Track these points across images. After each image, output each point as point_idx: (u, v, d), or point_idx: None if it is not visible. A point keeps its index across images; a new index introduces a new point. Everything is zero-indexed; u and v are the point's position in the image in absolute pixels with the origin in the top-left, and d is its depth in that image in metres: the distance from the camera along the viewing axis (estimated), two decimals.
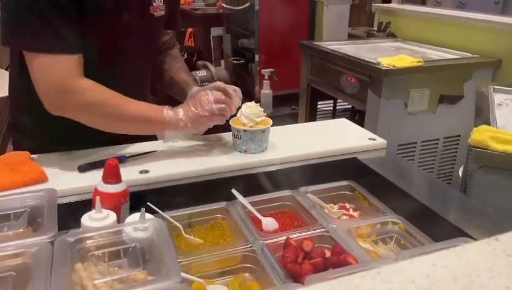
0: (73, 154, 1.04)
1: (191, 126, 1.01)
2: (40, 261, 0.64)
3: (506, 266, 0.29)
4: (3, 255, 0.65)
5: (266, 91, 3.41)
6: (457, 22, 2.21)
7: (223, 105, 1.02)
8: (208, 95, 1.01)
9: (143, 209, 0.75)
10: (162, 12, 1.11)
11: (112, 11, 0.99)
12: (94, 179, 0.84)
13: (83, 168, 0.96)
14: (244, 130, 1.06)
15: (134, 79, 1.14)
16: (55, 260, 0.64)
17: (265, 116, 1.09)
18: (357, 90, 1.98)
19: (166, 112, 1.00)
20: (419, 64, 1.83)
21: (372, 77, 1.86)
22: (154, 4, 1.08)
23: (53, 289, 0.59)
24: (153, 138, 1.10)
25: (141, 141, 1.11)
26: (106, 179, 0.80)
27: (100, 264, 0.68)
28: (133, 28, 1.05)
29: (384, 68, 1.78)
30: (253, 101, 1.09)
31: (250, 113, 1.06)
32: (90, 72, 0.98)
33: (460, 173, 1.53)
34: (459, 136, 2.03)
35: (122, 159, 1.01)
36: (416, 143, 1.97)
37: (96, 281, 0.63)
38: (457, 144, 2.05)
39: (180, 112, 1.00)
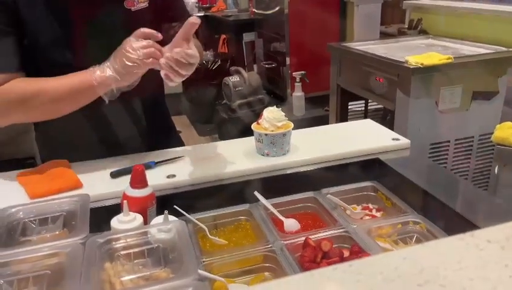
0: (107, 161, 1.11)
1: (121, 79, 0.93)
2: (73, 260, 0.70)
3: (475, 260, 0.31)
4: (40, 256, 0.71)
5: (298, 94, 3.42)
6: (491, 15, 2.14)
7: (151, 49, 0.92)
8: (132, 42, 0.92)
9: (166, 212, 0.80)
10: (143, 4, 1.05)
11: (73, 14, 0.98)
12: (124, 184, 0.90)
13: (114, 174, 1.03)
14: (266, 134, 1.09)
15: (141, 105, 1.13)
16: (86, 259, 0.69)
17: (287, 120, 1.12)
18: (386, 90, 1.96)
19: (93, 73, 0.93)
20: (449, 61, 1.80)
21: (400, 76, 1.84)
22: None
23: (84, 286, 0.64)
24: (179, 144, 1.15)
25: (168, 148, 1.16)
26: (133, 184, 0.86)
27: (126, 264, 0.73)
28: (107, 27, 1.02)
29: (412, 67, 1.76)
30: (275, 106, 1.12)
31: (272, 118, 1.09)
32: None
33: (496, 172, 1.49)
34: None
35: (151, 165, 1.06)
36: (449, 142, 1.92)
37: (122, 279, 0.68)
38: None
39: (108, 68, 0.93)
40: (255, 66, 4.13)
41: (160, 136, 1.24)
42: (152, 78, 1.07)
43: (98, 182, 1.02)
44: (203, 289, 0.63)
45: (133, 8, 1.04)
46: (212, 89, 4.13)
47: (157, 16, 1.09)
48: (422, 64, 1.75)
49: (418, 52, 1.96)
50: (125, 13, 1.03)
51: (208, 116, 4.02)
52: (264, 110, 1.11)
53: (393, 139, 1.19)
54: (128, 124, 1.16)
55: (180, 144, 1.28)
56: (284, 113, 1.12)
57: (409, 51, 2.14)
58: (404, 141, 1.18)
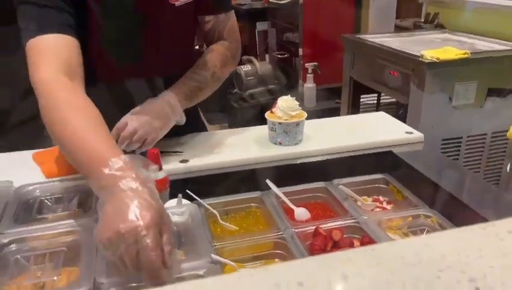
0: None
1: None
2: (88, 239, 0.71)
3: (495, 249, 0.31)
4: (56, 233, 0.73)
5: (309, 85, 3.40)
6: (509, 11, 2.11)
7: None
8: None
9: (180, 195, 0.81)
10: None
11: (117, 7, 0.94)
12: None
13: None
14: (279, 123, 1.09)
15: (158, 80, 1.09)
16: None
17: (301, 109, 1.12)
18: (400, 84, 1.95)
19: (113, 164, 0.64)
20: (465, 56, 1.78)
21: (415, 70, 1.83)
22: None
23: (100, 264, 0.65)
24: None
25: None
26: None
27: None
28: (149, 23, 0.99)
29: (427, 61, 1.74)
30: (289, 95, 1.12)
31: (286, 107, 1.09)
32: (100, 74, 0.96)
33: (508, 169, 1.48)
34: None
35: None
36: (461, 138, 1.91)
37: None
38: (508, 139, 1.96)
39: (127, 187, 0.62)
40: (267, 56, 4.11)
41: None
42: (176, 59, 1.08)
43: None
44: (216, 271, 0.63)
45: (176, 4, 1.00)
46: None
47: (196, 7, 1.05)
48: (438, 58, 1.73)
49: (433, 47, 1.94)
50: (169, 8, 0.99)
51: (219, 104, 4.03)
52: (279, 99, 1.12)
53: (406, 132, 1.19)
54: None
55: (203, 129, 1.27)
56: (298, 103, 1.12)
57: (424, 45, 2.11)
58: (417, 135, 1.18)
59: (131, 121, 0.92)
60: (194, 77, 1.06)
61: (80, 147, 0.67)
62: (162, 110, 0.96)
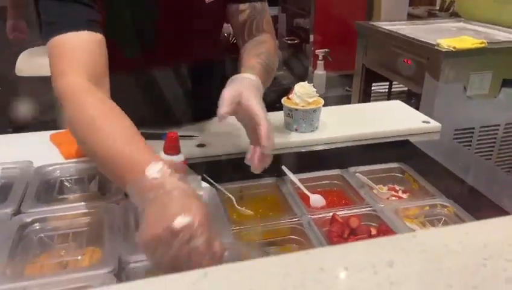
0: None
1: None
2: (109, 220, 0.72)
3: None
4: (77, 213, 0.73)
5: (320, 72, 3.38)
6: None
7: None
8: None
9: (199, 177, 0.81)
10: None
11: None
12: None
13: None
14: (296, 110, 1.09)
15: (189, 75, 1.09)
16: (123, 219, 0.71)
17: (318, 96, 1.11)
18: (413, 73, 1.93)
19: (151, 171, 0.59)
20: (482, 45, 1.75)
21: (430, 59, 1.81)
22: None
23: (123, 244, 0.66)
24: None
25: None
26: (167, 150, 0.87)
27: None
28: (179, 19, 0.97)
29: (444, 50, 1.72)
30: (307, 81, 1.11)
31: (303, 93, 1.08)
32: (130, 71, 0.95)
33: None
34: None
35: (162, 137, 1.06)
36: (474, 129, 1.90)
37: None
38: None
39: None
40: (276, 42, 4.08)
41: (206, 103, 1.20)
42: (202, 49, 1.05)
43: None
44: (236, 254, 0.64)
45: (206, 0, 0.97)
46: (232, 62, 4.11)
47: None
48: (454, 48, 1.71)
49: (448, 36, 1.91)
50: (198, 5, 0.96)
51: None
52: (296, 85, 1.11)
53: (423, 121, 1.18)
54: (175, 90, 1.11)
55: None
56: (315, 89, 1.11)
57: (439, 33, 2.09)
58: (434, 124, 1.17)
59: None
60: (268, 63, 0.96)
61: (117, 155, 0.63)
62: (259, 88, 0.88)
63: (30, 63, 2.92)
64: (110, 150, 0.63)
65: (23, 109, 2.90)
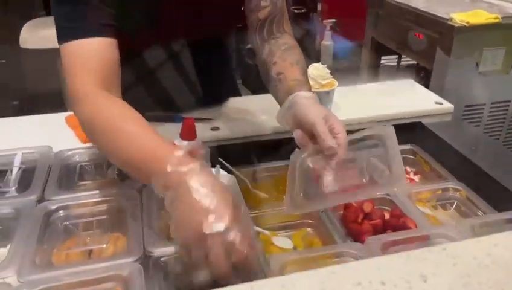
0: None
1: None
2: (131, 207, 0.73)
3: None
4: (100, 201, 0.75)
5: (327, 42, 3.33)
6: None
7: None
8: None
9: (218, 166, 0.83)
10: None
11: None
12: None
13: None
14: None
15: (200, 55, 1.07)
16: (146, 207, 0.73)
17: (332, 78, 1.11)
18: (424, 48, 1.90)
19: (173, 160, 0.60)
20: (496, 20, 1.72)
21: (442, 34, 1.78)
22: None
23: (146, 232, 0.68)
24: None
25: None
26: (184, 136, 0.88)
27: None
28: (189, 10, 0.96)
29: (457, 25, 1.69)
30: (320, 63, 1.10)
31: (317, 75, 1.08)
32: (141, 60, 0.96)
33: None
34: None
35: (175, 120, 1.06)
36: (485, 105, 1.89)
37: None
38: None
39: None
40: None
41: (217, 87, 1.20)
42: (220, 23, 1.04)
43: None
44: (258, 244, 0.66)
45: None
46: (237, 32, 4.05)
47: None
48: (468, 22, 1.68)
49: (461, 9, 1.87)
50: None
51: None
52: (309, 66, 1.10)
53: (436, 103, 1.18)
54: (186, 72, 1.10)
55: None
56: (329, 71, 1.11)
57: (452, 6, 2.04)
58: (447, 106, 1.17)
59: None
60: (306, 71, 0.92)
61: (137, 151, 0.64)
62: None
63: (35, 35, 2.89)
64: (130, 146, 0.65)
65: (28, 82, 2.89)
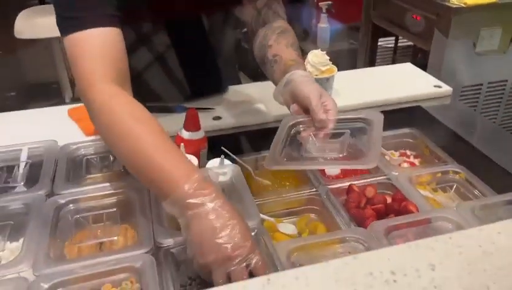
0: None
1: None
2: (139, 199, 0.75)
3: None
4: (108, 193, 0.77)
5: (323, 25, 3.31)
6: None
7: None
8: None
9: (222, 156, 0.84)
10: None
11: None
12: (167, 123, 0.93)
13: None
14: None
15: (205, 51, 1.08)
16: (153, 198, 0.74)
17: (331, 64, 1.11)
18: (422, 29, 1.90)
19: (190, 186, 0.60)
20: (493, 0, 1.72)
21: (439, 15, 1.78)
22: None
23: (156, 223, 0.69)
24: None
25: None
26: (187, 127, 0.89)
27: None
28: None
29: (454, 6, 1.69)
30: (320, 49, 1.11)
31: (317, 62, 1.08)
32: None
33: None
34: None
35: (177, 110, 1.07)
36: (482, 85, 1.90)
37: None
38: None
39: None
40: None
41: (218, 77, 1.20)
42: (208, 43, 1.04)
43: None
44: (265, 232, 0.68)
45: None
46: (232, 15, 4.01)
47: None
48: (465, 3, 1.68)
49: None
50: None
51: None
52: (309, 53, 1.11)
53: (435, 86, 1.19)
54: (187, 62, 1.09)
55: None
56: (328, 57, 1.11)
57: None
58: (445, 89, 1.18)
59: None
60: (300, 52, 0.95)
61: (154, 166, 0.62)
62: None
63: (30, 24, 2.86)
64: (147, 158, 0.63)
65: (25, 73, 2.88)
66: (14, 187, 0.82)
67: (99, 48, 0.70)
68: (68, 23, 0.71)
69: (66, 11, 0.72)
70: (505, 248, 0.34)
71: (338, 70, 1.14)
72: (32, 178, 0.82)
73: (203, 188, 0.60)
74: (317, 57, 1.09)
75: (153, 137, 0.65)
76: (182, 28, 1.03)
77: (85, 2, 0.71)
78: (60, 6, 0.72)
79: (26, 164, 0.86)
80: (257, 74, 1.19)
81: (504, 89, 1.95)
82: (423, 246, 0.34)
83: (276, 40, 0.94)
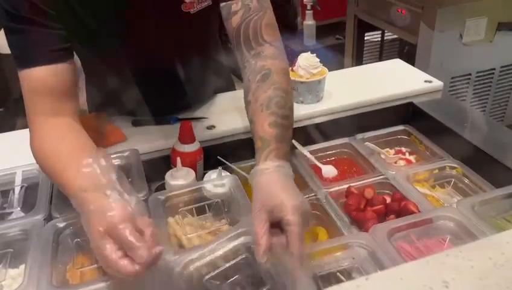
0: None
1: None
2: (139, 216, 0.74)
3: None
4: None
5: (309, 22, 3.31)
6: None
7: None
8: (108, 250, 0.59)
9: (220, 168, 0.84)
10: (205, 4, 0.88)
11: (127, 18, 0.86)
12: (156, 136, 0.98)
13: (136, 123, 1.07)
14: (301, 82, 1.09)
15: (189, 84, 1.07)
16: (153, 215, 0.74)
17: (322, 66, 1.11)
18: (408, 23, 1.91)
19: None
20: None
21: (425, 8, 1.79)
22: (186, 0, 0.86)
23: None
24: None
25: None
26: (183, 140, 0.88)
27: (187, 217, 0.78)
28: (164, 31, 0.91)
29: None
30: (309, 52, 1.11)
31: (307, 65, 1.08)
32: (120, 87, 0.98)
33: None
34: None
35: (170, 121, 1.07)
36: (470, 75, 1.91)
37: (189, 235, 0.73)
38: None
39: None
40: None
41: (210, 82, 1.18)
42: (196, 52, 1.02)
43: (136, 134, 1.04)
44: None
45: (192, 11, 0.87)
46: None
47: None
48: None
49: None
50: (184, 17, 0.88)
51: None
52: (299, 57, 1.11)
53: (425, 81, 1.20)
54: (169, 77, 1.06)
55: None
56: (318, 59, 1.11)
57: None
58: (436, 84, 1.19)
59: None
60: (284, 115, 0.76)
61: (59, 181, 0.71)
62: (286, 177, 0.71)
63: None
64: (55, 177, 0.73)
65: (11, 88, 2.83)
66: (11, 213, 0.80)
67: (40, 84, 0.75)
68: (16, 61, 0.76)
69: (14, 49, 0.76)
70: None
71: (326, 66, 1.13)
72: (29, 202, 0.81)
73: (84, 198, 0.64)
74: (308, 60, 1.09)
75: (63, 156, 0.72)
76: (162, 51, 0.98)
77: (28, 40, 0.75)
78: (10, 45, 0.77)
79: (21, 187, 0.85)
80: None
81: (492, 78, 1.97)
82: (434, 262, 0.34)
83: (254, 93, 0.78)
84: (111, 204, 0.61)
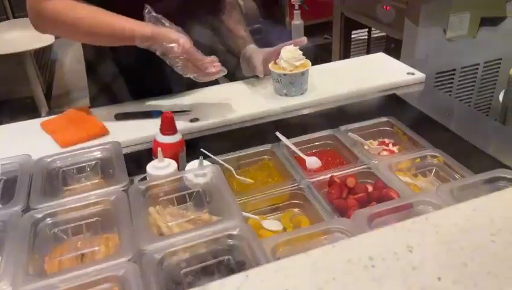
0: (120, 107, 1.12)
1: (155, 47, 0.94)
2: (119, 207, 0.74)
3: None
4: (87, 203, 0.75)
5: (297, 22, 3.33)
6: None
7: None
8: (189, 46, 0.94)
9: (201, 157, 0.83)
10: None
11: None
12: (142, 128, 1.00)
13: (119, 117, 1.06)
14: (284, 74, 1.09)
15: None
16: (133, 205, 0.73)
17: (305, 58, 1.12)
18: (393, 19, 1.93)
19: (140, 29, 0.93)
20: None
21: (409, 3, 1.80)
22: None
23: (137, 230, 0.68)
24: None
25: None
26: (164, 131, 0.88)
27: (169, 207, 0.78)
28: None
29: None
30: (292, 45, 1.11)
31: (290, 57, 1.08)
32: None
33: (500, 98, 1.52)
34: (501, 59, 1.97)
35: (154, 115, 1.07)
36: (455, 70, 1.93)
37: (169, 223, 0.72)
38: (499, 67, 1.99)
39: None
40: None
41: None
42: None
43: (119, 128, 1.03)
44: (248, 230, 0.67)
45: None
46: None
47: None
48: None
49: None
50: None
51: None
52: (282, 49, 1.11)
53: (408, 73, 1.21)
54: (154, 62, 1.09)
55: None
56: (301, 52, 1.11)
57: None
58: (419, 75, 1.20)
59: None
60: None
61: (114, 23, 0.94)
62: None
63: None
64: (109, 23, 0.94)
65: None
66: None
67: None
68: None
69: None
70: (480, 225, 0.34)
71: (314, 66, 1.14)
72: (8, 195, 0.80)
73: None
74: (291, 53, 1.09)
75: (101, 11, 0.94)
76: None
77: None
78: None
79: (0, 180, 0.84)
80: (233, 74, 1.20)
81: (476, 73, 1.98)
82: (401, 229, 0.34)
83: (228, 14, 1.21)
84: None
